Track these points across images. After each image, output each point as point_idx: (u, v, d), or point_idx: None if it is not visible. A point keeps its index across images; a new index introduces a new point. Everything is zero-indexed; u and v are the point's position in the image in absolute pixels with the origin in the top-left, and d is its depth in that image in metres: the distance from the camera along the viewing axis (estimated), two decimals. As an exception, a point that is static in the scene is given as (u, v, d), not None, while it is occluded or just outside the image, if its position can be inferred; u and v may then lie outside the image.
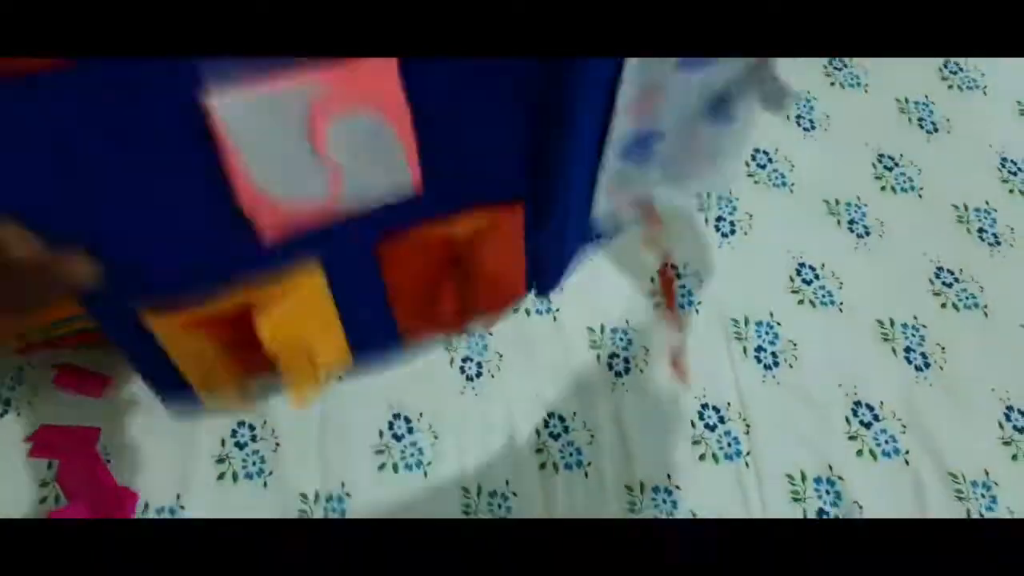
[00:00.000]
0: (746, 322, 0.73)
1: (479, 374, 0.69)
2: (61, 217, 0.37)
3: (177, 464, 0.63)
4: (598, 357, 0.71)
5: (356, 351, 0.56)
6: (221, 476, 0.63)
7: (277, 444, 0.64)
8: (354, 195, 0.44)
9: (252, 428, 0.65)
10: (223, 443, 0.64)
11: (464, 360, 0.70)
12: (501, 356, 0.70)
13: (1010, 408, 0.69)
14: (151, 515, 0.61)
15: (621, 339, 0.72)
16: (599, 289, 0.74)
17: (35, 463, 0.63)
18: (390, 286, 0.53)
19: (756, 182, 0.82)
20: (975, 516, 0.63)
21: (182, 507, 0.61)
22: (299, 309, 0.48)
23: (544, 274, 0.61)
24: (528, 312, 0.73)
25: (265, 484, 0.63)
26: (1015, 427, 0.68)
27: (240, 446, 0.64)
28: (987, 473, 0.65)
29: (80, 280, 0.39)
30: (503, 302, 0.62)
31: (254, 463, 0.64)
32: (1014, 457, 0.66)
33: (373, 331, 0.56)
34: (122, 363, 0.68)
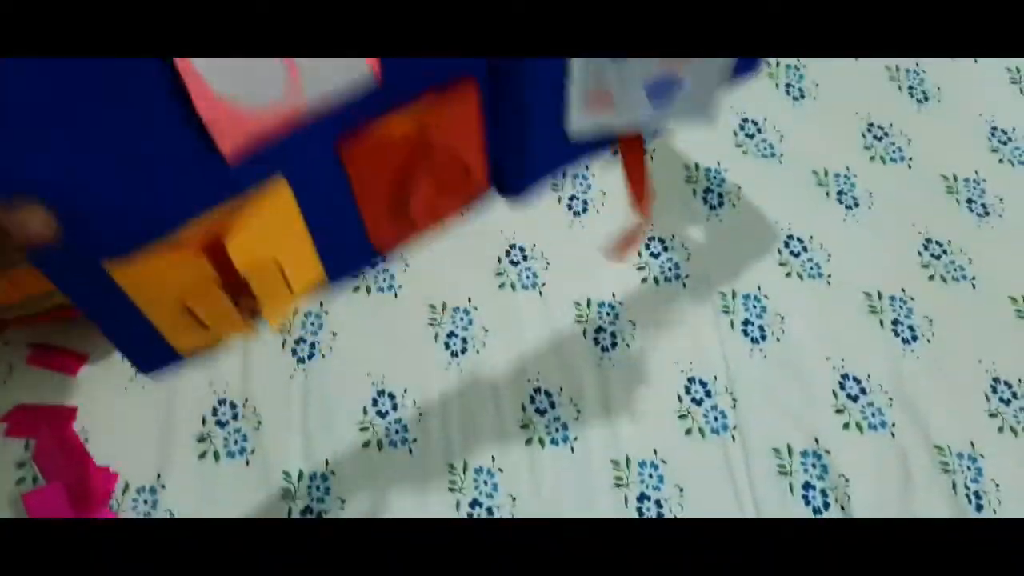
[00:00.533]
0: (733, 295, 0.72)
1: (464, 350, 0.68)
2: (9, 165, 0.34)
3: (157, 443, 0.62)
4: (584, 332, 0.70)
5: (329, 265, 0.55)
6: (203, 455, 0.62)
7: (259, 422, 0.63)
8: (314, 92, 0.42)
9: (233, 406, 0.64)
10: (204, 421, 0.63)
11: (449, 336, 0.69)
12: (487, 331, 0.69)
13: (996, 380, 0.69)
14: (131, 495, 0.60)
15: (608, 313, 0.71)
16: (585, 263, 0.73)
17: (11, 443, 0.61)
18: (357, 190, 0.51)
19: (745, 152, 0.81)
20: (960, 488, 0.63)
21: (163, 486, 0.61)
22: (268, 228, 0.47)
23: (506, 171, 0.58)
24: (514, 287, 0.72)
25: (247, 463, 0.62)
26: (1001, 399, 0.68)
27: (221, 424, 0.63)
28: (973, 445, 0.65)
29: (38, 233, 0.36)
30: (467, 194, 0.59)
31: (235, 441, 0.63)
32: (1000, 429, 0.66)
33: (344, 242, 0.54)
34: (99, 340, 0.67)
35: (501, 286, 0.72)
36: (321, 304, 0.70)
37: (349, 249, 0.56)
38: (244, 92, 0.39)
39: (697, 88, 0.52)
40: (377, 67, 0.43)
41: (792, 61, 0.88)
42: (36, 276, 0.59)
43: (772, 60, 0.88)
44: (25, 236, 0.36)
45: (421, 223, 0.57)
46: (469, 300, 0.71)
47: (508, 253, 0.75)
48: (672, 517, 0.61)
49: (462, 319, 0.70)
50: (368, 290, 0.72)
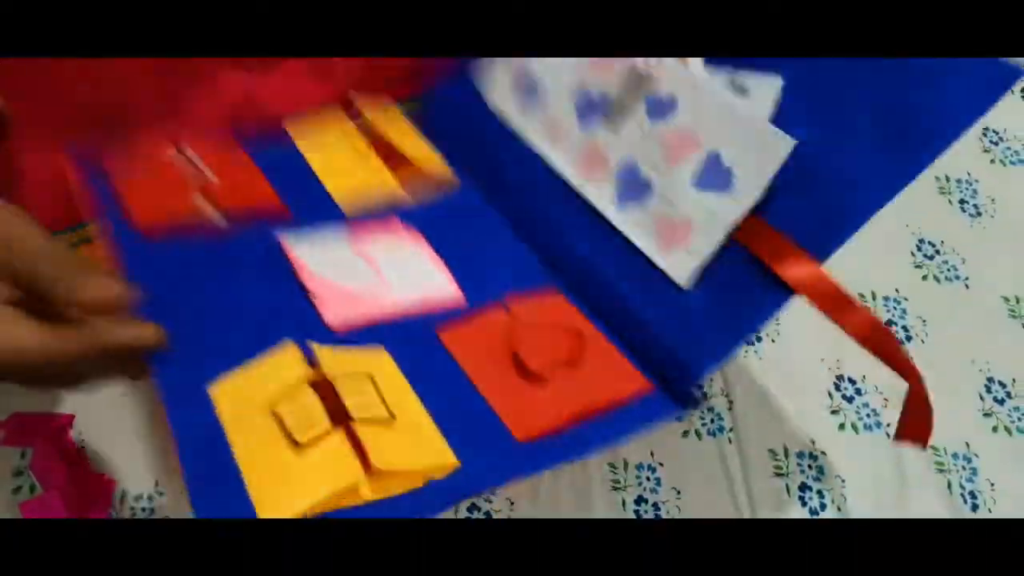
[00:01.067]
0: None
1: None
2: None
3: (155, 451, 0.62)
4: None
5: (459, 450, 0.45)
6: (200, 462, 0.62)
7: (256, 428, 0.63)
8: (401, 294, 0.53)
9: (230, 412, 0.64)
10: (201, 428, 0.63)
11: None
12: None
13: (990, 380, 0.69)
14: (129, 503, 0.60)
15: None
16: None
17: (7, 452, 0.61)
18: (470, 373, 0.49)
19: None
20: (956, 488, 0.63)
21: (160, 493, 0.60)
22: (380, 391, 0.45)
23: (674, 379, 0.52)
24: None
25: (245, 469, 0.62)
26: (995, 399, 0.68)
27: (218, 431, 0.63)
28: (968, 445, 0.66)
29: (149, 346, 0.41)
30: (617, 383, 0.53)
31: (233, 448, 0.63)
32: (994, 429, 0.67)
33: (471, 424, 0.47)
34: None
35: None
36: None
37: (479, 431, 0.47)
38: (340, 275, 0.52)
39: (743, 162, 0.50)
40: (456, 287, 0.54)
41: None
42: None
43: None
44: (137, 348, 0.41)
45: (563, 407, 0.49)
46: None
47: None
48: (670, 519, 0.61)
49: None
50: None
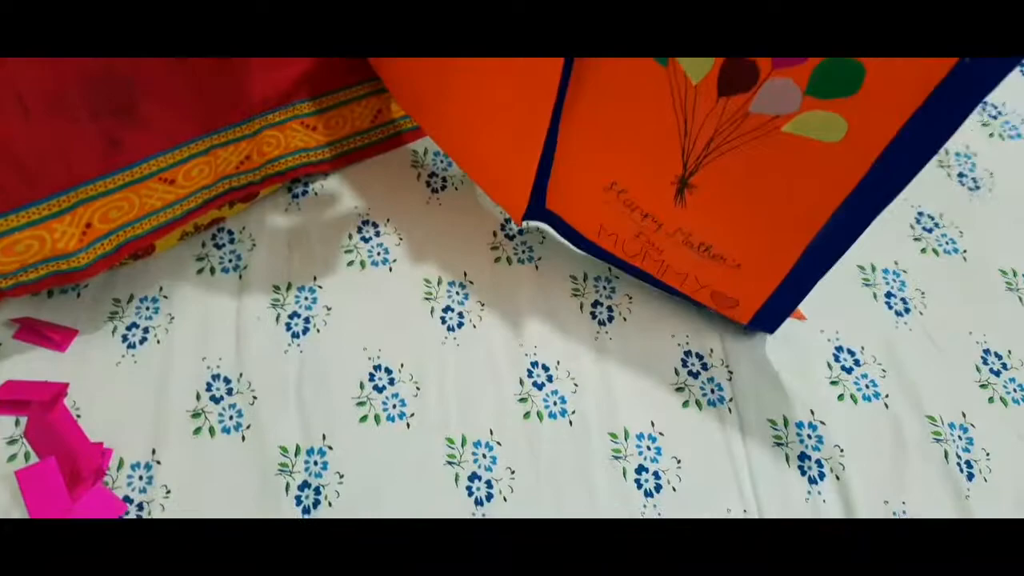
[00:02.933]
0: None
1: (460, 324, 0.68)
2: None
3: (151, 418, 0.62)
4: (581, 306, 0.70)
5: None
6: (197, 431, 0.61)
7: (255, 398, 0.63)
8: None
9: (228, 381, 0.63)
10: (198, 397, 0.63)
11: (445, 310, 0.69)
12: (483, 306, 0.69)
13: (987, 352, 0.70)
14: (126, 471, 0.59)
15: (604, 287, 0.71)
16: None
17: (1, 420, 0.60)
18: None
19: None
20: (952, 457, 0.64)
21: (158, 462, 0.60)
22: None
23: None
24: (509, 260, 0.72)
25: (243, 438, 0.61)
26: (991, 370, 0.69)
27: (216, 400, 0.63)
28: (964, 415, 0.66)
29: None
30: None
31: (231, 417, 0.62)
32: (990, 400, 0.67)
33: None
34: (89, 313, 0.65)
35: (496, 260, 0.72)
36: (315, 278, 0.70)
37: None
38: None
39: None
40: None
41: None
42: (31, 241, 0.58)
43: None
44: None
45: None
46: (465, 274, 0.71)
47: (503, 227, 0.74)
48: (671, 488, 0.61)
49: (457, 294, 0.70)
50: (362, 264, 0.71)
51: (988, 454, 0.64)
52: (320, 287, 0.69)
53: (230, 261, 0.70)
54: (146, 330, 0.65)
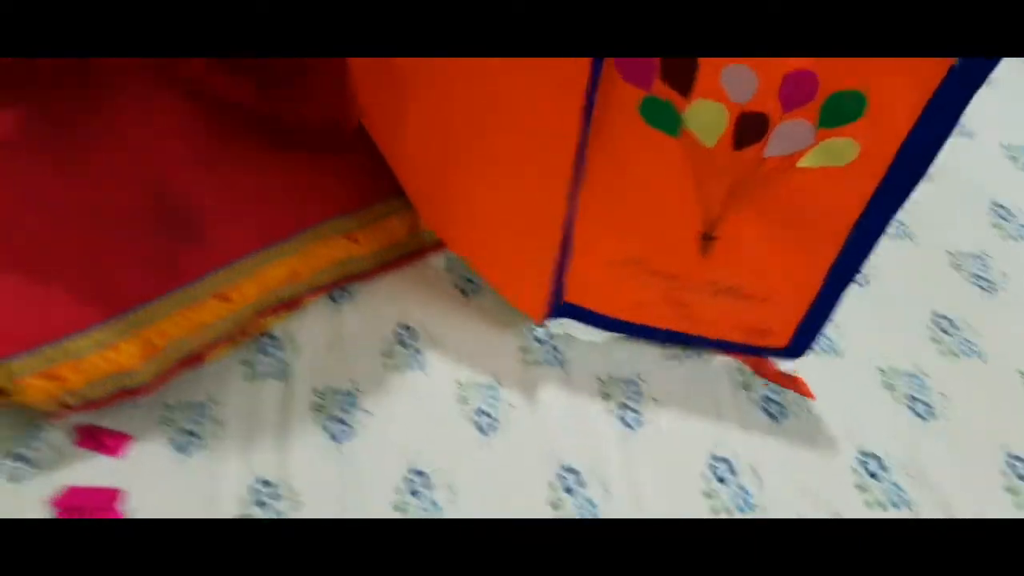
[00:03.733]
0: (751, 372, 0.75)
1: (493, 427, 0.71)
2: None
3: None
4: (609, 408, 0.72)
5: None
6: (242, 535, 0.64)
7: (298, 502, 0.65)
8: None
9: (273, 486, 0.66)
10: (244, 502, 0.65)
11: (477, 413, 0.71)
12: (513, 407, 0.72)
13: (1012, 456, 0.70)
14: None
15: (631, 389, 0.74)
16: (609, 343, 0.76)
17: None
18: None
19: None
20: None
21: None
22: None
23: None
24: (538, 362, 0.75)
25: (286, 542, 0.64)
26: (1018, 475, 0.69)
27: (261, 504, 0.65)
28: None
29: None
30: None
31: (275, 521, 0.65)
32: (1018, 506, 0.68)
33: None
34: (143, 420, 0.69)
35: (526, 362, 0.75)
36: (355, 383, 0.73)
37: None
38: None
39: None
40: None
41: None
42: (98, 360, 0.62)
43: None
44: None
45: None
46: (496, 377, 0.74)
47: (532, 329, 0.78)
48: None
49: (490, 396, 0.73)
50: (399, 368, 0.74)
51: None
52: (359, 391, 0.73)
53: (275, 367, 0.74)
54: (196, 435, 0.69)
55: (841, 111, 0.51)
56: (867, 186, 0.55)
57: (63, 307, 0.59)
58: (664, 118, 0.55)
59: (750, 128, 0.53)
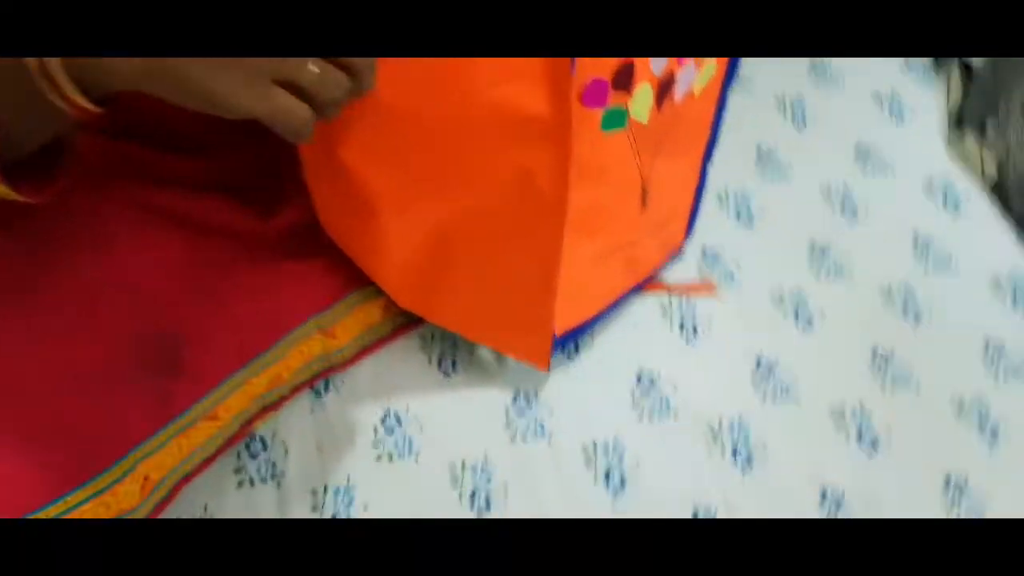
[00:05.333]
0: (720, 425, 0.81)
1: (488, 508, 0.74)
2: None
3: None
4: (595, 477, 0.77)
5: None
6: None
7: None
8: None
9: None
10: None
11: (472, 496, 0.75)
12: (506, 487, 0.75)
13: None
14: None
15: (613, 452, 0.78)
16: (587, 400, 0.80)
17: None
18: None
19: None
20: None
21: None
22: None
23: None
24: (524, 437, 0.79)
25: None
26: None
27: None
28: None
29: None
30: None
31: None
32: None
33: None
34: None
35: (512, 439, 0.79)
36: (348, 478, 0.75)
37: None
38: None
39: None
40: None
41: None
42: (97, 508, 0.62)
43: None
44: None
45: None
46: (486, 456, 0.77)
47: (515, 401, 0.81)
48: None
49: (482, 477, 0.76)
50: (390, 457, 0.77)
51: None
52: (355, 485, 0.74)
53: (267, 470, 0.75)
54: (199, 555, 0.69)
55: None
56: (716, 88, 0.71)
57: (51, 471, 0.57)
58: (616, 119, 0.62)
59: (665, 89, 0.63)
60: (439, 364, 0.83)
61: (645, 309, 0.88)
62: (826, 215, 0.98)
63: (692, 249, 0.92)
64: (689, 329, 0.87)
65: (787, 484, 0.78)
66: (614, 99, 0.59)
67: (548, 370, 0.78)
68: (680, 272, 0.90)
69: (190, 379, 0.65)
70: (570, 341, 0.79)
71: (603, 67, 0.57)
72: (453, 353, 0.84)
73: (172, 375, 0.64)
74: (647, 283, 0.86)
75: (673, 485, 0.77)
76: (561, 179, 0.58)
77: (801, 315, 0.89)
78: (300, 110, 0.42)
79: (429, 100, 0.54)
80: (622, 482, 0.77)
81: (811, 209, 0.99)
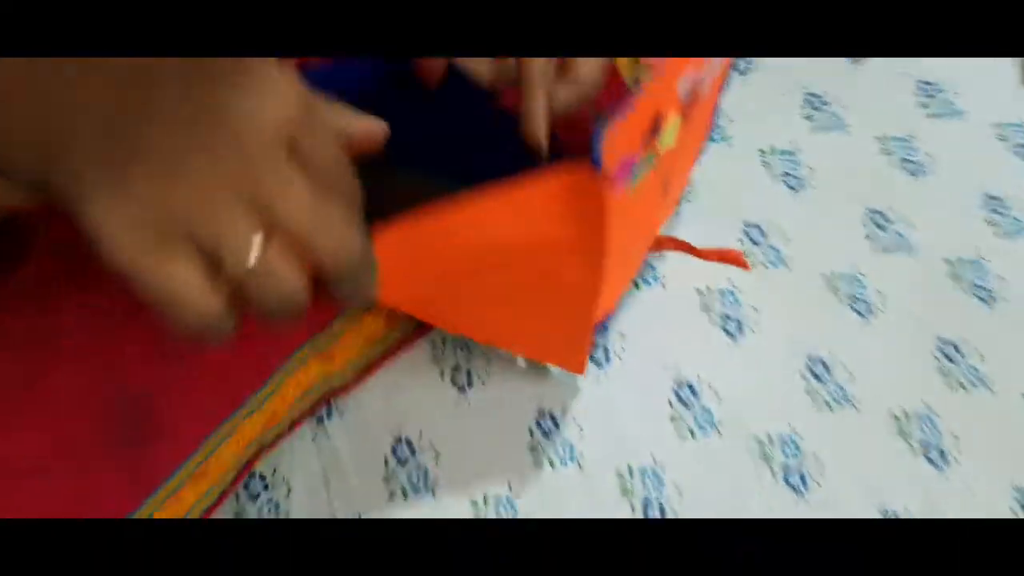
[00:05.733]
0: (770, 440, 0.72)
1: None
2: None
3: None
4: (632, 507, 0.70)
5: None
6: None
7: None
8: None
9: None
10: None
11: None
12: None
13: (1019, 491, 0.72)
14: None
15: (652, 481, 0.71)
16: (621, 424, 0.71)
17: None
18: None
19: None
20: None
21: None
22: None
23: None
24: (552, 463, 0.71)
25: None
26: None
27: None
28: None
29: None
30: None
31: None
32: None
33: None
34: None
35: (537, 464, 0.71)
36: (359, 517, 0.68)
37: None
38: None
39: None
40: None
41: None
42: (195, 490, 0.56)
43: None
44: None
45: None
46: (509, 486, 0.70)
47: (539, 423, 0.73)
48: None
49: (506, 509, 0.69)
50: (404, 493, 0.69)
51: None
52: (366, 526, 0.67)
53: (269, 511, 0.68)
54: (200, 617, 0.63)
55: None
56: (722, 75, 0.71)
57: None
58: (645, 166, 0.54)
59: (691, 106, 0.58)
60: (452, 378, 0.75)
61: (682, 303, 0.78)
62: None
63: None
64: (733, 326, 0.77)
65: (845, 509, 0.71)
66: (643, 152, 0.51)
67: (583, 372, 0.71)
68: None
69: (168, 440, 0.57)
70: (600, 335, 0.72)
71: (633, 138, 0.49)
72: (468, 362, 0.75)
73: (145, 441, 0.56)
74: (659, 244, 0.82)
75: (717, 514, 0.70)
76: (596, 269, 0.54)
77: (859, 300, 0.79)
78: (200, 302, 0.28)
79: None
80: (661, 514, 0.70)
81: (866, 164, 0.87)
